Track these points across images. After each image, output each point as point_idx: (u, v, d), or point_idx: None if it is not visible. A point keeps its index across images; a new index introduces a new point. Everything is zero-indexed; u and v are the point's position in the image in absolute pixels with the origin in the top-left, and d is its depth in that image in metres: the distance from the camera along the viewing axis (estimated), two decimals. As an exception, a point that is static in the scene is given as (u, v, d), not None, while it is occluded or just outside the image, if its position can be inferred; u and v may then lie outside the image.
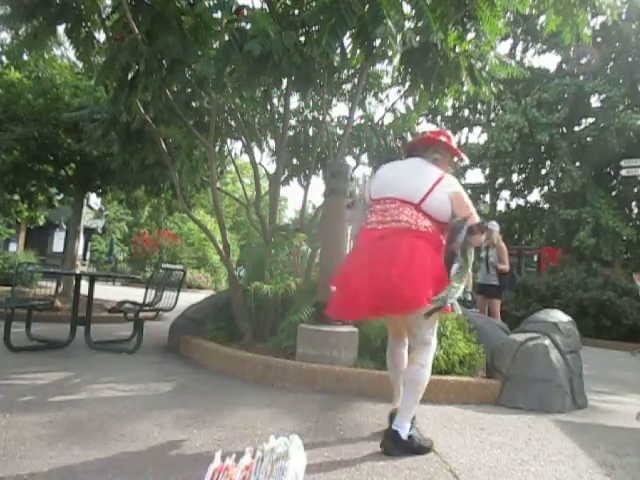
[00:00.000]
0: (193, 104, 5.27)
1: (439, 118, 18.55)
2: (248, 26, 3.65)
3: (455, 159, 2.68)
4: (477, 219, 2.27)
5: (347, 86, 6.20)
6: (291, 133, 5.98)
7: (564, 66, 15.98)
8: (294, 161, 6.15)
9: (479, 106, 17.64)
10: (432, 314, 2.16)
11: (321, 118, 5.59)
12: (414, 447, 2.23)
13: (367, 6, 3.49)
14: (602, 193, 14.09)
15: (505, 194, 18.61)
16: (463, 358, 3.72)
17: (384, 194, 2.36)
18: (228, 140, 6.18)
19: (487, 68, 4.67)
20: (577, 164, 14.25)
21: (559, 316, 3.98)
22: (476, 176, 21.34)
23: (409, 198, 2.27)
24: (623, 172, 11.02)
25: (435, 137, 2.52)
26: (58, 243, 21.58)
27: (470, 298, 6.06)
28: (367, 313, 2.43)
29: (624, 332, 9.69)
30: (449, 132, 2.67)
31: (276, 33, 3.44)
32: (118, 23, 4.45)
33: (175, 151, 5.38)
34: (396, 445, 2.20)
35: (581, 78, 14.75)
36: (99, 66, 4.63)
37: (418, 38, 3.99)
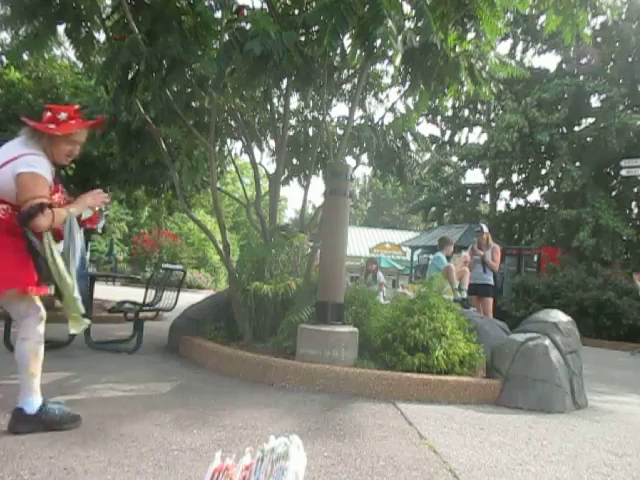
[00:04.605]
0: (193, 104, 5.27)
1: (439, 118, 18.58)
2: (248, 26, 3.66)
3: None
4: (33, 204, 2.09)
5: (347, 86, 6.20)
6: (291, 133, 5.97)
7: (564, 66, 15.97)
8: (294, 161, 6.15)
9: (479, 106, 17.64)
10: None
11: (321, 118, 5.58)
12: (44, 421, 2.19)
13: (367, 6, 3.49)
14: (602, 193, 14.08)
15: (505, 194, 18.67)
16: (463, 358, 3.72)
17: None
18: (228, 140, 6.18)
19: (487, 68, 4.67)
20: (577, 164, 14.23)
21: (559, 316, 3.98)
22: (476, 176, 21.45)
23: None
24: (623, 172, 11.04)
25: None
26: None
27: (466, 296, 6.11)
28: None
29: (624, 332, 9.71)
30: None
31: (276, 33, 3.45)
32: (118, 23, 4.47)
33: (175, 151, 5.38)
34: (19, 421, 2.17)
35: (581, 78, 14.73)
36: (99, 66, 4.63)
37: (418, 38, 3.99)
